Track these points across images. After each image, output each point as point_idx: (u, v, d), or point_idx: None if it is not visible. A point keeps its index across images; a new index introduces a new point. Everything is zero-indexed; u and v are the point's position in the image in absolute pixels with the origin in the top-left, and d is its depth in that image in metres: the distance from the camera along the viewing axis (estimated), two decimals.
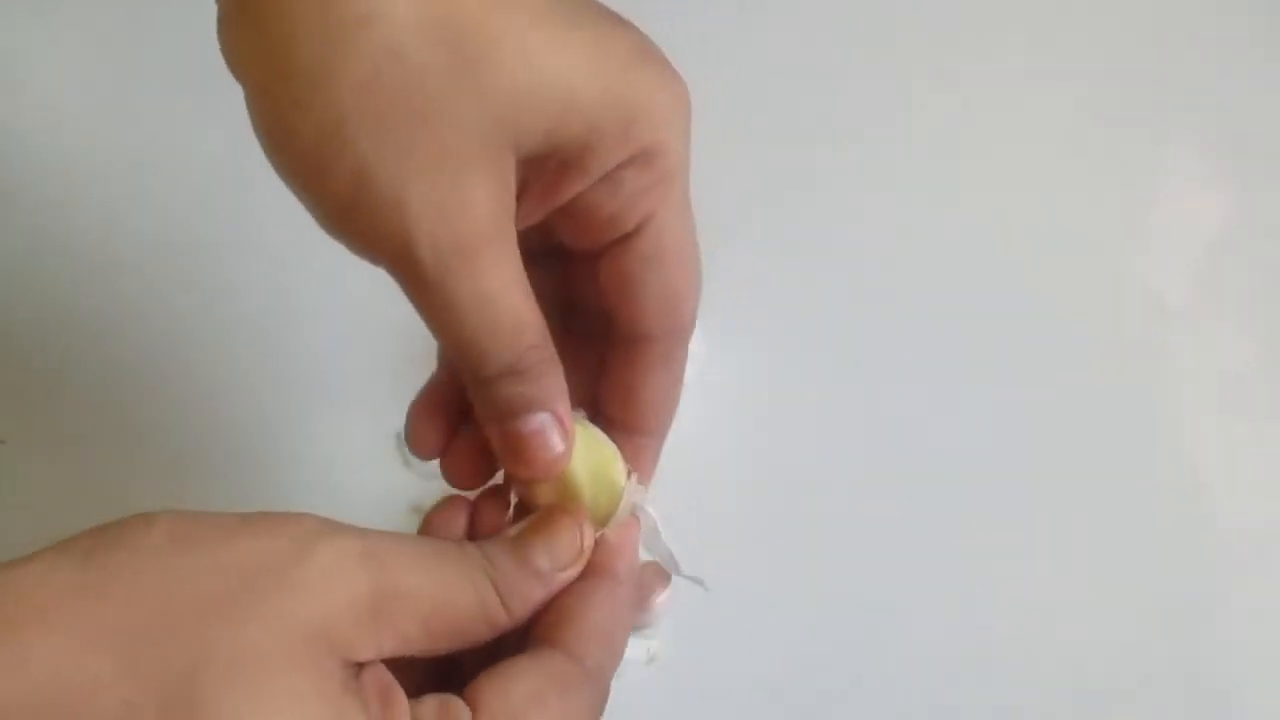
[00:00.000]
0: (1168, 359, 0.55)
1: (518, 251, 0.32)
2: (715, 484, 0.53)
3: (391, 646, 0.29)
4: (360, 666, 0.29)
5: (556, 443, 0.33)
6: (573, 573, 0.33)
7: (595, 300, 0.35)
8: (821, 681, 0.50)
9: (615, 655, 0.33)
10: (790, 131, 0.58)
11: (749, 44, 0.60)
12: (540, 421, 0.33)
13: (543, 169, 0.32)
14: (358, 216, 0.30)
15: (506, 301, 0.31)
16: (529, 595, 0.32)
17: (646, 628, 0.49)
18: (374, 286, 0.32)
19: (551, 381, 0.33)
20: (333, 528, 0.29)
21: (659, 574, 0.49)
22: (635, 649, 0.49)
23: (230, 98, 0.31)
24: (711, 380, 0.53)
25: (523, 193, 0.32)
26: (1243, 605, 0.51)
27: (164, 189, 0.58)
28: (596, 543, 0.34)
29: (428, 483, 0.53)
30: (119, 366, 0.52)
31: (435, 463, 0.36)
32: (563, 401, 0.33)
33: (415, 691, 0.29)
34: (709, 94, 0.59)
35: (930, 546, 0.51)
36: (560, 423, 0.33)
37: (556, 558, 0.33)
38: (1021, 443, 0.53)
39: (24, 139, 0.60)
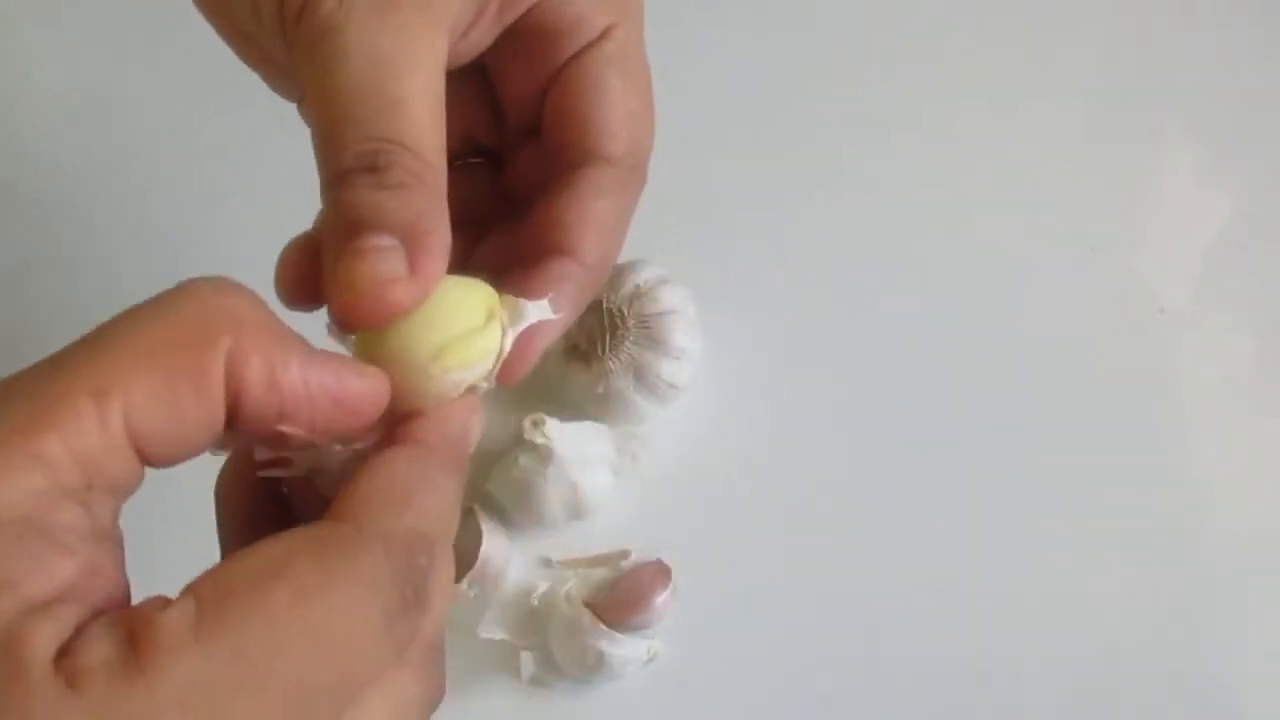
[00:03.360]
0: (1168, 359, 0.54)
1: (439, 62, 0.28)
2: (715, 483, 0.53)
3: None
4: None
5: (395, 272, 0.26)
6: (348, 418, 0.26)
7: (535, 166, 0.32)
8: (821, 681, 0.50)
9: (418, 521, 0.25)
10: (790, 132, 0.58)
11: (749, 44, 0.60)
12: (380, 244, 0.26)
13: None
14: None
15: (402, 77, 0.27)
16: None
17: (646, 628, 0.49)
18: None
19: (420, 203, 0.27)
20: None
21: (659, 574, 0.50)
22: (635, 649, 0.49)
23: (231, 98, 0.31)
24: (711, 380, 0.53)
25: (481, 13, 0.30)
26: (1242, 605, 0.51)
27: (165, 190, 0.58)
28: (412, 415, 0.27)
29: None
30: None
31: None
32: (430, 240, 0.27)
33: None
34: (709, 94, 0.59)
35: (930, 546, 0.51)
36: (413, 260, 0.26)
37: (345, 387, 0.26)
38: (1021, 443, 0.53)
39: (25, 140, 0.60)
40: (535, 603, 0.50)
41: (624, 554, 0.51)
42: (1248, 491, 0.53)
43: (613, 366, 0.50)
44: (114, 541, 0.24)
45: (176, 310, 0.24)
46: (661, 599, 0.49)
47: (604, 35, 0.31)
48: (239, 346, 0.24)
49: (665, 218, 0.56)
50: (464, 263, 0.33)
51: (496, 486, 0.51)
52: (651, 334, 0.50)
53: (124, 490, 0.24)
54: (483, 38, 0.31)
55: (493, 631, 0.50)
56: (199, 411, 0.24)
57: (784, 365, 0.54)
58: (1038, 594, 0.51)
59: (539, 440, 0.49)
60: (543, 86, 0.32)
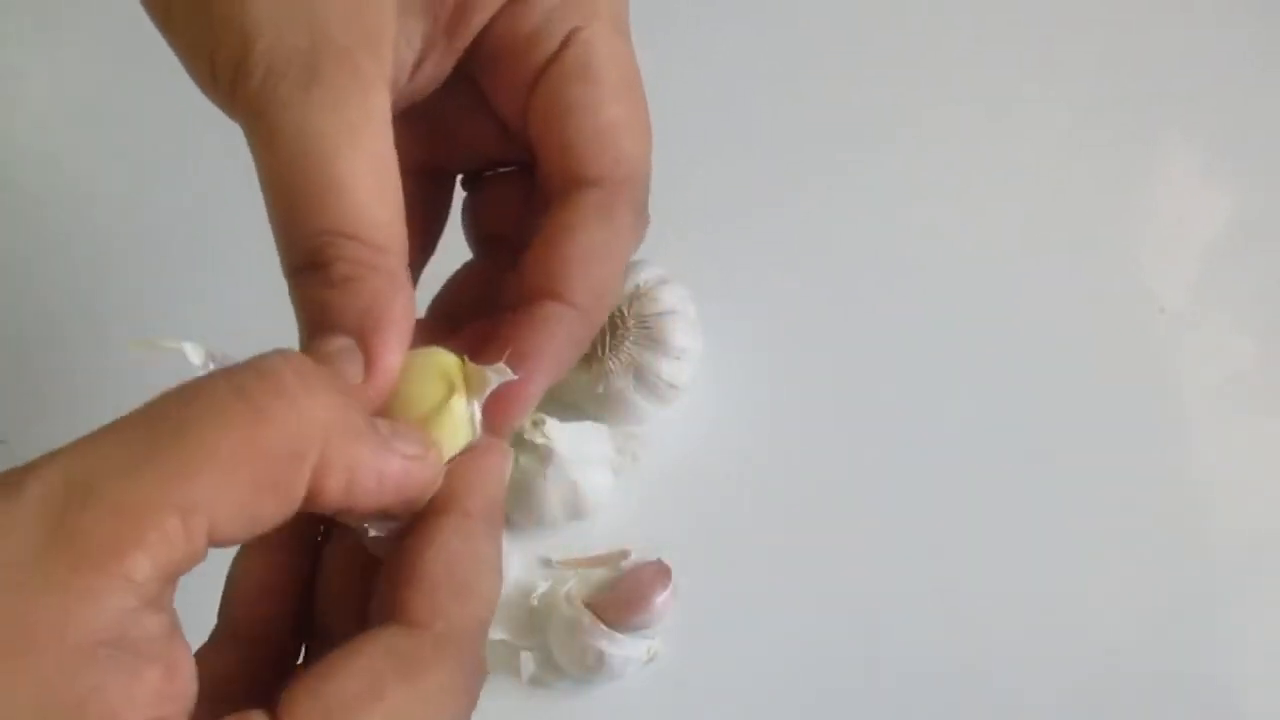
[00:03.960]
0: (1168, 359, 0.54)
1: (381, 121, 0.26)
2: (715, 483, 0.53)
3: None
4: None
5: (351, 378, 0.26)
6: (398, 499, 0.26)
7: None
8: (821, 681, 0.50)
9: (480, 608, 0.26)
10: (790, 132, 0.58)
11: (749, 44, 0.60)
12: (334, 347, 0.26)
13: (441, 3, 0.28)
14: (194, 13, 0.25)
15: (337, 158, 0.25)
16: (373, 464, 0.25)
17: (646, 628, 0.49)
18: None
19: (370, 294, 0.26)
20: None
21: (659, 574, 0.50)
22: (635, 649, 0.49)
23: None
24: (711, 380, 0.53)
25: (430, 45, 0.28)
26: (1243, 605, 0.51)
27: (167, 191, 0.58)
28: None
29: None
30: (120, 366, 0.52)
31: None
32: (384, 331, 0.26)
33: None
34: (709, 94, 0.59)
35: (930, 546, 0.51)
36: (369, 354, 0.26)
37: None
38: (1021, 443, 0.53)
39: (26, 141, 0.60)
40: (535, 603, 0.50)
41: (624, 554, 0.51)
42: (1248, 491, 0.53)
43: (613, 366, 0.50)
44: (178, 627, 0.24)
45: (267, 416, 0.23)
46: (661, 599, 0.49)
47: (566, 43, 0.29)
48: (325, 460, 0.24)
49: (665, 218, 0.56)
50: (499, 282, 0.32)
51: None
52: (651, 334, 0.50)
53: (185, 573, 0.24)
54: (439, 69, 0.29)
55: (493, 631, 0.50)
56: (276, 516, 0.24)
57: (784, 365, 0.54)
58: (1037, 593, 0.51)
59: (539, 440, 0.49)
60: (522, 112, 0.30)
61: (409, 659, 0.24)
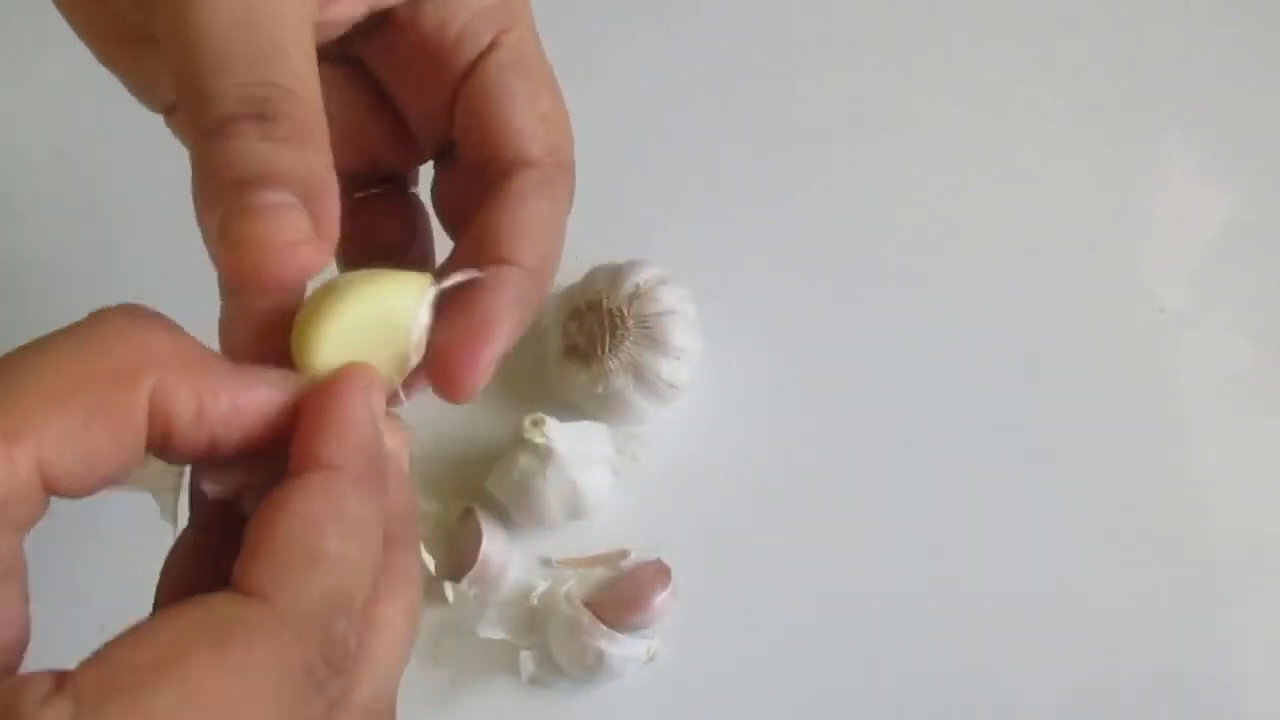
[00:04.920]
0: (1168, 359, 0.54)
1: (312, 8, 0.26)
2: (715, 483, 0.53)
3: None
4: None
5: (301, 232, 0.24)
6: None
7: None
8: (821, 681, 0.50)
9: (335, 580, 0.23)
10: (790, 132, 0.58)
11: (748, 44, 0.60)
12: (280, 200, 0.24)
13: None
14: None
15: (280, 22, 0.25)
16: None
17: (646, 628, 0.49)
18: None
19: (315, 159, 0.25)
20: None
21: (659, 574, 0.50)
22: (635, 649, 0.49)
23: None
24: (711, 380, 0.53)
25: None
26: (1242, 605, 0.51)
27: (168, 191, 0.58)
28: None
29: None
30: None
31: None
32: (331, 199, 0.25)
33: None
34: (708, 94, 0.59)
35: (930, 546, 0.51)
36: (316, 220, 0.24)
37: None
38: (1021, 443, 0.53)
39: (27, 142, 0.60)
40: (535, 602, 0.50)
41: (624, 554, 0.51)
42: (1248, 491, 0.53)
43: (612, 366, 0.50)
44: (14, 577, 0.23)
45: (93, 344, 0.23)
46: (661, 599, 0.49)
47: (495, 44, 0.30)
48: (163, 384, 0.23)
49: (665, 218, 0.57)
50: None
51: (496, 486, 0.51)
52: (651, 334, 0.50)
53: (28, 524, 0.23)
54: (350, 10, 0.29)
55: (493, 631, 0.50)
56: (116, 450, 0.23)
57: (784, 365, 0.54)
58: (1037, 593, 0.51)
59: (539, 440, 0.49)
60: (447, 104, 0.31)
61: (226, 629, 0.21)
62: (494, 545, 0.50)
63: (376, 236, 0.33)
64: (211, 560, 0.25)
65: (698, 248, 0.55)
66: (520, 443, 0.49)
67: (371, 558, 0.24)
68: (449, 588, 0.50)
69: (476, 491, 0.52)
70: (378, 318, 0.26)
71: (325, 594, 0.22)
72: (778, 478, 0.53)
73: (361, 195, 0.33)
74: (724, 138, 0.58)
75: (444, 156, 0.33)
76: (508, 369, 0.54)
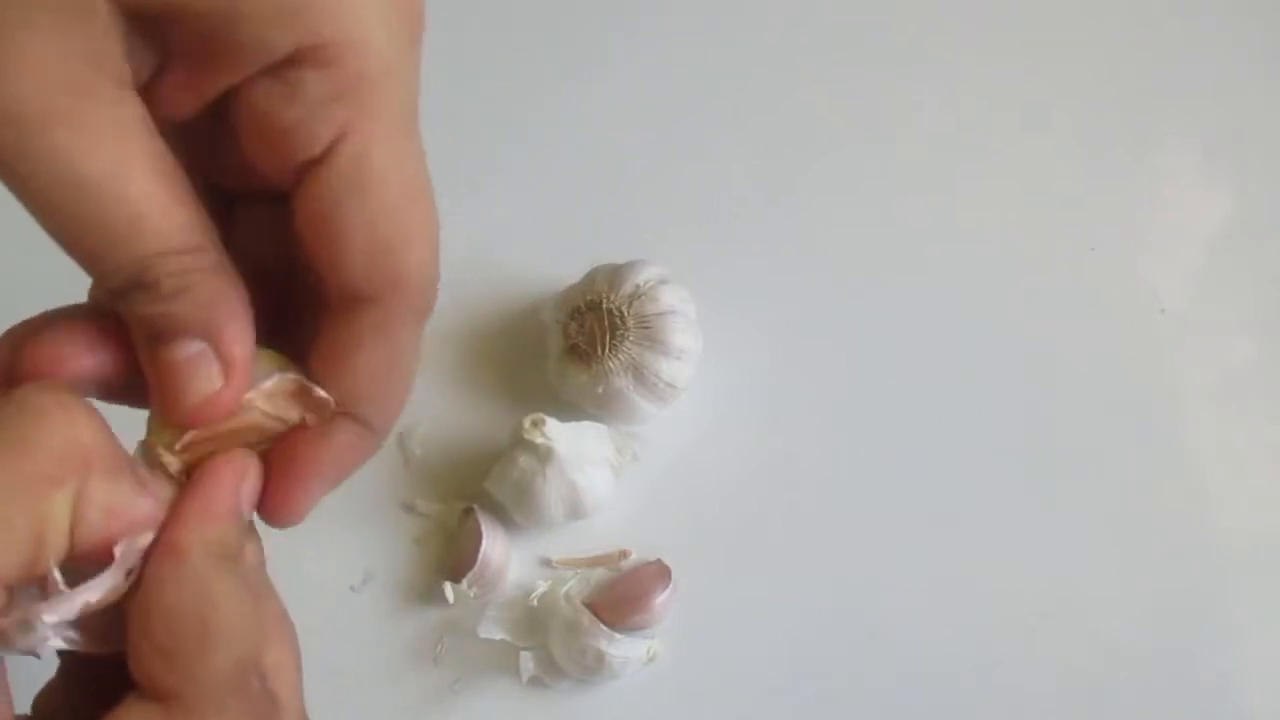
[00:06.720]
0: (1168, 359, 0.54)
1: (142, 125, 0.24)
2: (715, 483, 0.53)
3: None
4: None
5: (212, 383, 0.25)
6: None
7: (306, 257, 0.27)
8: (821, 681, 0.50)
9: (228, 651, 0.24)
10: (790, 132, 0.58)
11: (748, 44, 0.60)
12: (188, 353, 0.25)
13: (178, 34, 0.24)
14: None
15: (112, 188, 0.23)
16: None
17: (646, 628, 0.49)
18: None
19: (205, 295, 0.25)
20: None
21: (659, 574, 0.50)
22: (635, 649, 0.49)
23: None
24: (711, 380, 0.53)
25: (164, 69, 0.25)
26: (1242, 605, 0.51)
27: None
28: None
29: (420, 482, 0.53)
30: None
31: None
32: (231, 328, 0.25)
33: None
34: (709, 94, 0.59)
35: (930, 546, 0.51)
36: (223, 357, 0.25)
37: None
38: (1021, 443, 0.53)
39: None
40: (535, 603, 0.50)
41: (624, 554, 0.51)
42: (1248, 491, 0.53)
43: (613, 366, 0.50)
44: None
45: (26, 446, 0.22)
46: (661, 599, 0.49)
47: (335, 148, 0.25)
48: (83, 495, 0.23)
49: (665, 218, 0.57)
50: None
51: (496, 486, 0.51)
52: (651, 334, 0.50)
53: None
54: (182, 102, 0.26)
55: (493, 631, 0.50)
56: (22, 558, 0.22)
57: (784, 365, 0.54)
58: (1038, 593, 0.51)
59: (539, 440, 0.49)
60: (289, 190, 0.27)
61: None
62: (494, 545, 0.50)
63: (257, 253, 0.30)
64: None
65: (698, 248, 0.55)
66: (520, 443, 0.49)
67: (256, 616, 0.24)
68: (449, 588, 0.50)
69: (476, 491, 0.52)
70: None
71: (231, 663, 0.23)
72: (778, 478, 0.53)
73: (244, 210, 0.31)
74: (724, 138, 0.58)
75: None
76: (508, 369, 0.54)
